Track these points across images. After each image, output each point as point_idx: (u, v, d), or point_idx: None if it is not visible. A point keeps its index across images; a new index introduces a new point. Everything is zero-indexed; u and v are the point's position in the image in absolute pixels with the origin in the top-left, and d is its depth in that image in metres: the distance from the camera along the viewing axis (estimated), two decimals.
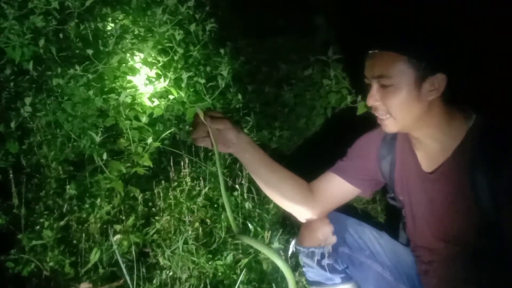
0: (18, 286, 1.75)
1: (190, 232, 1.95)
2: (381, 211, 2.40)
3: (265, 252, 1.07)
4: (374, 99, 1.15)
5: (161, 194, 2.11)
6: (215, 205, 2.20)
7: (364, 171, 1.38)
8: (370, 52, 1.15)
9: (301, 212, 1.41)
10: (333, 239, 1.39)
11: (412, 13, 2.38)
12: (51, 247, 1.81)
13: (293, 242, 1.48)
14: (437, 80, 1.12)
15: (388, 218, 2.34)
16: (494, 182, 1.10)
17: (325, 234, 1.38)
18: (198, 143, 1.23)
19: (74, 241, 1.90)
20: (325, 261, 1.39)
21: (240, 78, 2.85)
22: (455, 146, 1.17)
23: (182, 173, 2.22)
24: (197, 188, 2.21)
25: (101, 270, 1.83)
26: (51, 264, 1.79)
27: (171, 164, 2.23)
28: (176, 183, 2.20)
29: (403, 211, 1.38)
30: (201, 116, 1.21)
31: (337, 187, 1.39)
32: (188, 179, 2.20)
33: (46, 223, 1.84)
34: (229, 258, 1.91)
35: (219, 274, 1.87)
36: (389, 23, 1.27)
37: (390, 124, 1.17)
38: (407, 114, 1.14)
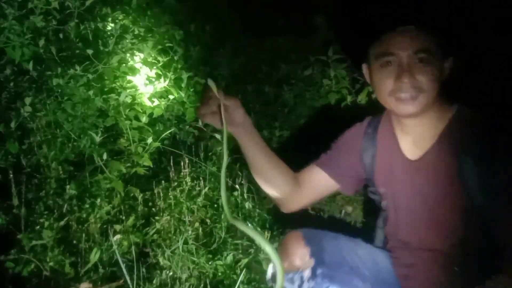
0: (18, 286, 1.75)
1: (190, 232, 1.95)
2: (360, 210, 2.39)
3: (256, 238, 1.02)
4: (409, 74, 1.13)
5: (161, 194, 2.11)
6: (215, 205, 2.20)
7: (347, 165, 1.39)
8: (400, 28, 1.15)
9: (285, 202, 1.42)
10: (311, 262, 1.31)
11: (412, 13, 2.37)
12: (51, 247, 1.81)
13: (270, 267, 1.41)
14: (450, 63, 1.19)
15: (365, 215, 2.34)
16: (483, 167, 1.11)
17: (303, 258, 1.31)
18: (205, 119, 1.19)
19: (74, 241, 1.90)
20: (305, 285, 1.32)
21: (240, 78, 2.86)
22: (439, 132, 1.20)
23: (182, 173, 2.23)
24: (197, 188, 2.21)
25: (101, 270, 1.83)
26: (51, 264, 1.79)
27: (171, 164, 2.23)
28: (176, 183, 2.20)
29: (383, 205, 1.38)
30: (214, 89, 1.15)
31: (318, 181, 1.40)
32: (188, 179, 2.20)
33: (46, 223, 1.84)
34: (229, 258, 1.91)
35: (219, 274, 1.87)
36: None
37: (421, 100, 1.15)
38: (434, 91, 1.15)
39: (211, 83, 1.16)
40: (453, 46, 1.18)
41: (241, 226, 1.10)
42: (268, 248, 0.99)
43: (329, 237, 1.39)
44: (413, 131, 1.24)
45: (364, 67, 1.29)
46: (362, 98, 2.65)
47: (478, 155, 1.12)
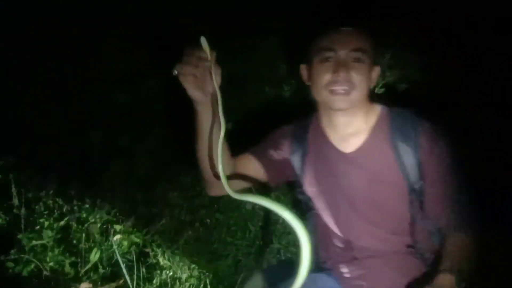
0: (18, 286, 1.75)
1: (190, 232, 1.95)
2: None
3: (270, 206, 0.95)
4: (345, 69, 1.22)
5: (161, 194, 2.11)
6: (215, 205, 2.20)
7: (277, 160, 1.41)
8: (342, 28, 1.27)
9: (216, 185, 1.28)
10: None
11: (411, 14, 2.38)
12: (51, 247, 1.81)
13: None
14: (378, 71, 1.33)
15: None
16: (416, 152, 1.25)
17: None
18: (183, 80, 1.05)
19: (74, 241, 1.90)
20: None
21: (240, 78, 2.85)
22: (371, 126, 1.31)
23: (182, 173, 2.23)
24: (197, 188, 2.21)
25: (101, 270, 1.83)
26: (51, 264, 1.79)
27: (171, 163, 2.23)
28: (176, 183, 2.20)
29: (314, 206, 1.39)
30: (207, 49, 1.04)
31: (252, 169, 1.39)
32: (188, 179, 2.20)
33: (46, 223, 1.84)
34: (229, 258, 1.91)
35: (219, 274, 1.87)
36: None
37: (354, 96, 1.24)
38: (364, 88, 1.26)
39: (204, 41, 1.03)
40: (379, 55, 1.32)
41: (250, 198, 1.01)
42: (287, 215, 0.91)
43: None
44: (345, 128, 1.32)
45: (303, 68, 1.37)
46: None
47: (411, 141, 1.25)
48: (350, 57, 1.24)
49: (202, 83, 1.07)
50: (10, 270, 1.76)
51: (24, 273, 1.76)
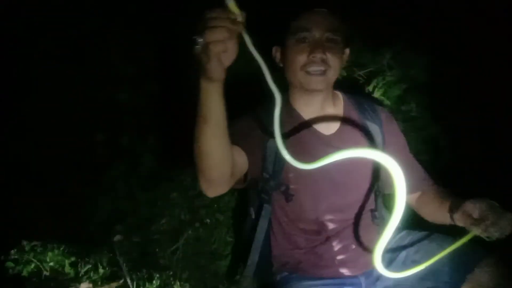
0: (18, 286, 1.75)
1: (190, 232, 1.95)
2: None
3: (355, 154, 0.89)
4: (322, 50, 1.24)
5: (162, 194, 2.11)
6: (215, 205, 2.20)
7: (255, 150, 1.31)
8: (316, 9, 1.28)
9: (221, 182, 1.19)
10: None
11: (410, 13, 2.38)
12: (51, 247, 1.81)
13: None
14: (347, 52, 1.37)
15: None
16: (381, 127, 1.37)
17: None
18: (212, 50, 0.84)
19: (74, 241, 1.90)
20: None
21: (240, 78, 2.85)
22: (342, 108, 1.40)
23: (182, 173, 2.22)
24: (197, 188, 2.20)
25: (101, 270, 1.83)
26: (51, 264, 1.79)
27: (171, 163, 2.23)
28: (176, 183, 2.20)
29: (290, 190, 1.34)
30: (236, 11, 0.84)
31: (238, 161, 1.26)
32: (189, 179, 2.19)
33: (46, 223, 1.84)
34: (229, 258, 1.91)
35: (219, 274, 1.87)
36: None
37: (329, 75, 1.28)
38: (338, 69, 1.30)
39: (232, 3, 0.84)
40: (350, 38, 1.36)
41: (317, 163, 0.90)
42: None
43: None
44: (320, 109, 1.36)
45: (275, 49, 1.37)
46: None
47: (376, 119, 1.38)
48: (325, 37, 1.26)
49: (226, 54, 0.87)
50: (10, 270, 1.76)
51: (24, 273, 1.76)
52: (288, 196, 1.35)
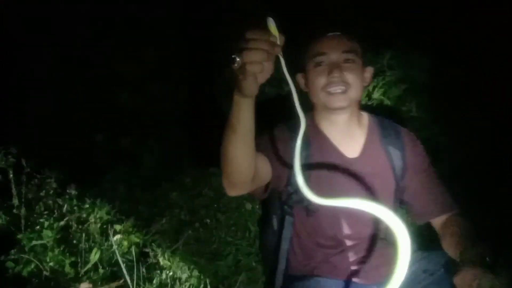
0: (18, 286, 1.74)
1: (190, 232, 1.95)
2: None
3: (361, 206, 0.86)
4: (339, 70, 1.29)
5: (162, 194, 2.11)
6: (215, 205, 2.20)
7: (279, 161, 1.35)
8: (330, 34, 1.34)
9: (243, 185, 1.24)
10: None
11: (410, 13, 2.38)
12: (51, 247, 1.81)
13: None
14: (370, 71, 1.39)
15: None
16: (403, 153, 1.39)
17: None
18: (249, 70, 0.87)
19: (74, 241, 1.90)
20: None
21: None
22: (366, 130, 1.41)
23: (182, 173, 2.23)
24: (197, 188, 2.21)
25: (101, 270, 1.83)
26: (51, 264, 1.79)
27: (171, 164, 2.23)
28: (176, 183, 2.20)
29: (309, 208, 1.37)
30: (275, 30, 0.87)
31: (261, 169, 1.30)
32: (188, 179, 2.19)
33: (46, 223, 1.84)
34: (229, 258, 1.91)
35: (219, 274, 1.87)
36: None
37: (351, 94, 1.31)
38: (359, 87, 1.33)
39: (271, 22, 0.87)
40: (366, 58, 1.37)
41: (334, 202, 0.89)
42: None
43: None
44: (344, 128, 1.39)
45: (299, 77, 1.42)
46: (362, 98, 2.65)
47: (398, 144, 1.39)
48: (342, 58, 1.31)
49: (261, 73, 0.90)
50: (10, 270, 1.76)
51: (24, 273, 1.76)
52: (309, 212, 1.39)
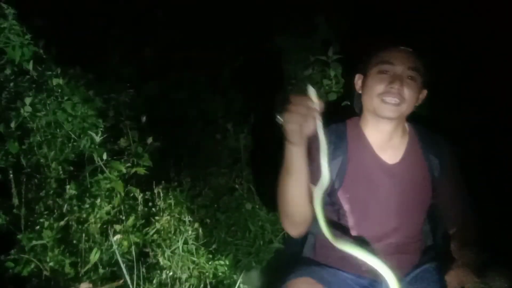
0: (18, 286, 1.74)
1: (190, 232, 1.95)
2: None
3: (365, 258, 1.04)
4: (400, 83, 1.32)
5: (161, 194, 2.11)
6: (215, 205, 2.20)
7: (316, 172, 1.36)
8: (402, 47, 1.38)
9: (303, 224, 1.35)
10: None
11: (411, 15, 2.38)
12: (51, 247, 1.81)
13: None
14: (425, 94, 1.43)
15: None
16: (442, 163, 1.42)
17: None
18: (288, 128, 1.06)
19: (74, 241, 1.90)
20: None
21: (240, 78, 2.86)
22: (407, 139, 1.45)
23: (182, 173, 2.22)
24: (197, 188, 2.21)
25: (101, 270, 1.83)
26: (51, 264, 1.79)
27: (171, 164, 2.23)
28: (176, 183, 2.20)
29: (344, 210, 1.41)
30: (314, 97, 1.04)
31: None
32: (188, 179, 2.19)
33: (46, 223, 1.84)
34: (229, 258, 1.91)
35: (219, 274, 1.87)
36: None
37: (402, 108, 1.35)
38: (412, 104, 1.37)
39: (311, 90, 1.04)
40: (429, 82, 1.41)
41: (349, 248, 1.06)
42: (381, 268, 0.99)
43: (330, 272, 1.42)
44: (387, 137, 1.41)
45: (358, 77, 1.46)
46: None
47: (438, 153, 1.42)
48: (406, 74, 1.34)
49: (304, 128, 1.08)
50: (10, 270, 1.76)
51: (24, 273, 1.76)
52: (339, 215, 1.42)
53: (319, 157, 1.20)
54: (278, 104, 1.10)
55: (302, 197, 1.25)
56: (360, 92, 1.44)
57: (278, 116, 1.05)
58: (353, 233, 1.42)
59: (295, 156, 1.18)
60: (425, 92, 1.43)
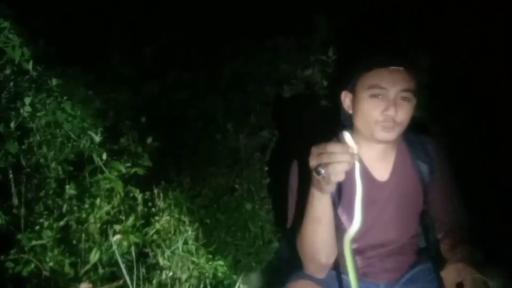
0: (18, 286, 1.75)
1: (190, 232, 1.95)
2: None
3: None
4: (395, 109, 1.28)
5: (161, 194, 2.11)
6: (215, 206, 2.20)
7: None
8: (393, 67, 1.30)
9: (329, 265, 1.34)
10: None
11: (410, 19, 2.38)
12: (51, 247, 1.81)
13: None
14: (415, 102, 1.37)
15: None
16: (431, 167, 1.41)
17: None
18: (337, 178, 1.03)
19: (74, 241, 1.90)
20: None
21: (240, 78, 2.86)
22: (396, 150, 1.42)
23: (182, 173, 2.22)
24: (197, 188, 2.21)
25: (101, 270, 1.83)
26: (51, 264, 1.79)
27: (171, 164, 2.23)
28: (175, 183, 2.20)
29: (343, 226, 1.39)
30: (351, 143, 1.02)
31: None
32: (188, 179, 2.19)
33: (46, 223, 1.84)
34: (229, 259, 1.91)
35: (219, 274, 1.87)
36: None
37: (398, 132, 1.32)
38: (407, 123, 1.33)
39: (348, 136, 1.02)
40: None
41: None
42: None
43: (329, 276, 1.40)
44: (380, 154, 1.39)
45: (344, 94, 1.40)
46: None
47: (427, 158, 1.41)
48: (399, 96, 1.29)
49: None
50: (10, 270, 1.76)
51: (24, 273, 1.76)
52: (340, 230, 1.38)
53: (349, 202, 1.22)
54: (315, 158, 1.04)
55: (332, 242, 1.26)
56: (350, 112, 1.40)
57: (321, 170, 1.03)
58: (353, 246, 1.39)
59: (326, 205, 1.18)
60: (415, 100, 1.38)
